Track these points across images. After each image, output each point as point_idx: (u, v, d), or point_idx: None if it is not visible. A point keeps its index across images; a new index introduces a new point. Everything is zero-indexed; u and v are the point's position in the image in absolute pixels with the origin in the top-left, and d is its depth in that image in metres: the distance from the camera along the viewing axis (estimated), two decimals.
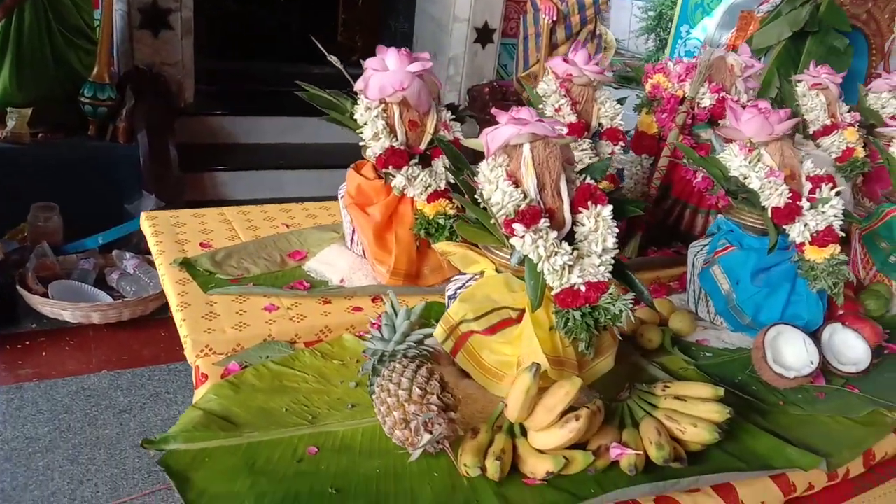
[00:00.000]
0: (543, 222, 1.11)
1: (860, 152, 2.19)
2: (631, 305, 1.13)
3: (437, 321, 1.37)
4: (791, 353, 1.42)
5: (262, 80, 5.49)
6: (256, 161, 4.63)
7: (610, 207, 1.17)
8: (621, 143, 1.77)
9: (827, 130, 2.21)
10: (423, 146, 1.52)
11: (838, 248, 1.46)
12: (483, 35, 5.44)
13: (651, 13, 11.60)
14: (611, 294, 1.13)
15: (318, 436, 1.11)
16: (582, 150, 1.69)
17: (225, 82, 5.34)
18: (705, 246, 1.61)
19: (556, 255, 1.11)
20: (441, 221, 1.46)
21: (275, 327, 1.37)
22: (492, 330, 1.16)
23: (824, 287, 1.46)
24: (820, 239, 1.44)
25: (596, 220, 1.16)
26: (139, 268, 3.22)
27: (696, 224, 1.95)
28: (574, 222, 1.19)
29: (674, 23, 5.53)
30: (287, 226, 1.80)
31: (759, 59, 3.87)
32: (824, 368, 1.45)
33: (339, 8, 6.67)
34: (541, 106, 1.74)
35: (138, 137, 3.78)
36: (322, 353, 1.32)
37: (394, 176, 1.46)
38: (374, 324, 1.26)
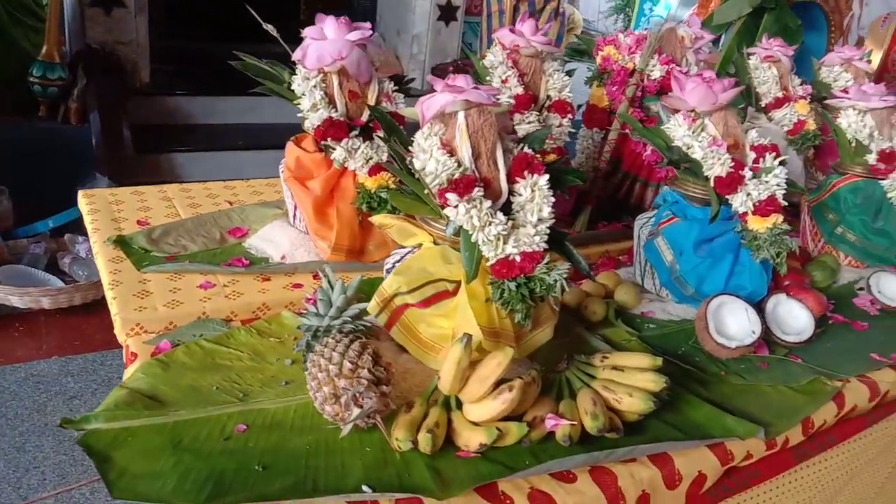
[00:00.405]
0: (477, 191, 1.09)
1: (811, 125, 2.20)
2: (566, 275, 1.11)
3: None
4: (734, 324, 1.42)
5: (222, 60, 5.36)
6: (215, 142, 4.53)
7: (546, 177, 1.15)
8: (570, 115, 1.75)
9: (778, 103, 2.22)
10: (364, 118, 1.48)
11: (781, 218, 1.46)
12: (446, 13, 5.38)
13: None
14: (546, 264, 1.11)
15: (248, 413, 1.08)
16: (529, 122, 1.67)
17: (183, 61, 5.21)
18: (651, 218, 1.60)
19: (490, 224, 1.09)
20: (383, 195, 1.43)
21: (209, 305, 1.33)
22: (427, 302, 1.14)
23: (767, 257, 1.46)
24: (762, 208, 1.44)
25: (532, 190, 1.14)
26: (92, 251, 3.14)
27: (646, 197, 1.94)
28: (511, 192, 1.16)
29: (636, 1, 5.53)
30: (230, 203, 1.76)
31: (721, 36, 3.89)
32: (768, 338, 1.46)
33: None
34: (488, 77, 1.71)
35: (91, 118, 3.68)
36: (258, 330, 1.29)
37: (334, 148, 1.43)
38: (309, 299, 1.23)
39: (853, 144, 1.83)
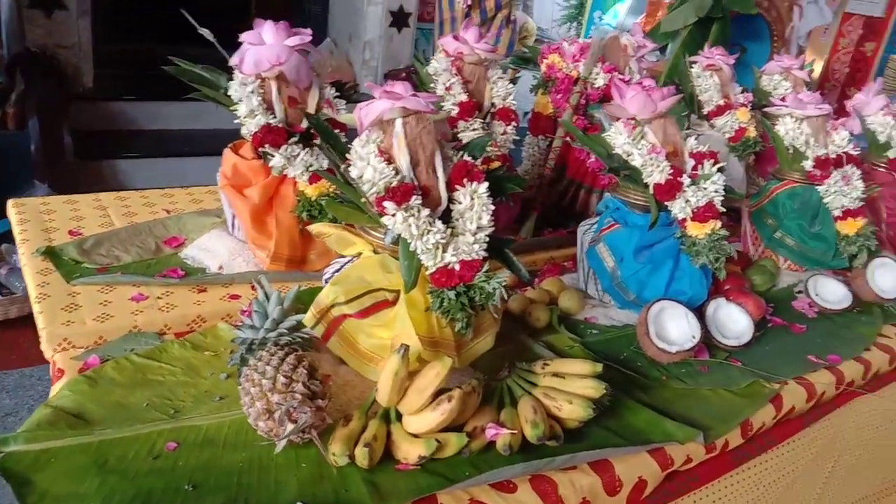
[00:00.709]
0: (415, 200, 1.07)
1: (752, 132, 2.25)
2: (505, 283, 1.10)
3: None
4: (674, 328, 1.43)
5: (167, 64, 5.23)
6: (160, 149, 4.44)
7: (486, 185, 1.15)
8: (514, 123, 1.75)
9: (720, 110, 2.26)
10: (304, 124, 1.46)
11: (719, 224, 1.48)
12: (398, 19, 5.37)
13: (573, 1, 11.75)
14: (486, 272, 1.10)
15: (180, 430, 1.05)
16: (473, 129, 1.66)
17: (128, 65, 5.09)
18: (593, 224, 1.61)
19: (428, 233, 1.07)
20: (325, 203, 1.41)
21: (141, 318, 1.29)
22: (365, 313, 1.12)
23: (706, 262, 1.48)
24: (701, 214, 1.46)
25: (472, 198, 1.14)
26: None
27: (590, 204, 1.96)
28: (451, 200, 1.15)
29: (587, 9, 5.60)
30: (168, 212, 1.71)
31: (668, 45, 3.96)
32: (708, 342, 1.48)
33: None
34: (432, 85, 1.70)
35: (30, 124, 3.56)
36: (193, 343, 1.25)
37: (272, 155, 1.40)
38: (245, 311, 1.20)
39: (791, 151, 1.88)
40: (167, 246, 1.52)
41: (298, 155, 1.41)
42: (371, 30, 5.30)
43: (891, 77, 7.16)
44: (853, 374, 1.53)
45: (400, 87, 1.15)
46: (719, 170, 1.52)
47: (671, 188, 1.44)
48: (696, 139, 1.58)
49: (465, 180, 1.14)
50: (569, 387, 1.16)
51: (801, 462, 1.54)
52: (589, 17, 5.61)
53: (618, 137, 1.50)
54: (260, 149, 1.39)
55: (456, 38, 1.71)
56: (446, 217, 1.15)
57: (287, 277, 1.44)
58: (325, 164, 1.43)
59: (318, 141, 1.45)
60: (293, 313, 1.18)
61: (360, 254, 1.20)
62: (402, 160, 1.11)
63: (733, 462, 1.33)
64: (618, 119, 1.55)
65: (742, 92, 2.36)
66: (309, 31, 1.47)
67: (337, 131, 1.42)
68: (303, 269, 1.48)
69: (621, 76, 1.93)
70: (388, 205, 1.06)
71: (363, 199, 1.09)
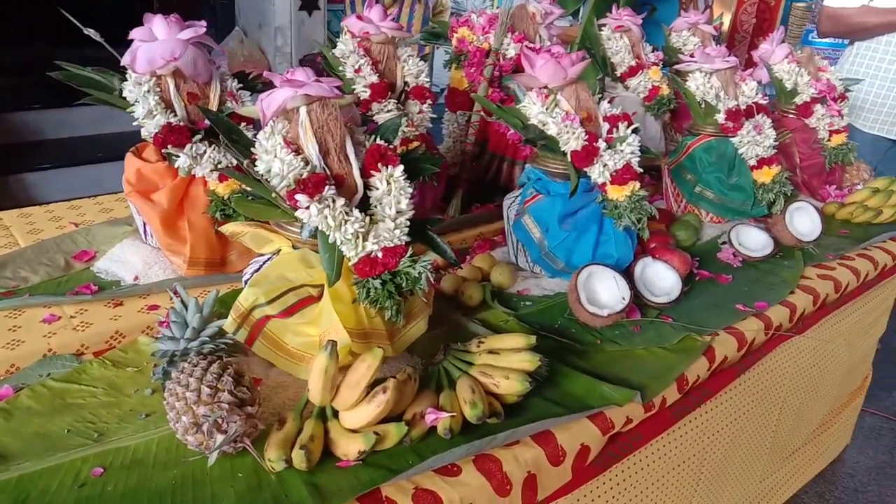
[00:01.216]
0: (329, 190, 1.04)
1: (665, 90, 2.29)
2: (430, 266, 1.08)
3: None
4: (604, 292, 1.45)
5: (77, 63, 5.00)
6: (70, 157, 4.22)
7: (401, 168, 1.12)
8: (429, 100, 1.72)
9: (633, 71, 2.28)
10: (207, 120, 1.39)
11: (638, 185, 1.49)
12: (308, 2, 5.24)
13: None
14: (410, 257, 1.08)
15: (106, 454, 0.99)
16: (388, 110, 1.63)
17: (26, 73, 4.80)
18: (517, 197, 1.61)
19: (346, 223, 1.04)
20: (234, 202, 1.35)
21: (56, 340, 1.22)
22: (289, 311, 1.08)
23: (629, 224, 1.49)
24: (619, 177, 1.47)
25: (388, 182, 1.11)
26: None
27: (514, 176, 1.95)
28: (367, 186, 1.12)
29: None
30: (76, 225, 1.62)
31: (580, 10, 3.99)
32: (639, 302, 1.50)
33: None
34: (340, 68, 1.65)
35: None
36: (113, 361, 1.19)
37: (176, 156, 1.33)
38: (163, 322, 1.15)
39: (703, 106, 1.91)
40: (77, 261, 1.44)
41: (205, 153, 1.35)
42: (280, 15, 5.15)
43: (794, 25, 7.43)
44: (780, 318, 1.57)
45: (301, 74, 1.11)
46: (634, 131, 1.53)
47: (588, 154, 1.45)
48: (609, 102, 1.59)
49: (379, 165, 1.11)
50: (504, 362, 1.15)
51: (743, 409, 1.59)
52: None
53: (532, 107, 1.49)
54: (163, 150, 1.33)
55: (360, 17, 1.66)
56: (364, 204, 1.12)
57: (208, 281, 1.39)
58: (233, 159, 1.37)
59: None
60: (214, 319, 1.13)
61: (278, 250, 1.16)
62: (311, 149, 1.07)
63: (673, 418, 1.36)
64: (530, 89, 1.55)
65: (653, 51, 2.39)
66: (203, 22, 1.40)
67: (244, 125, 1.38)
68: (224, 271, 1.43)
69: (531, 45, 1.93)
70: (301, 198, 1.02)
71: (274, 195, 1.05)
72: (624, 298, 1.42)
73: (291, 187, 1.03)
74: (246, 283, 1.17)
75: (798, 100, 2.22)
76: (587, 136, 1.45)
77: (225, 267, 1.43)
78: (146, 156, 1.40)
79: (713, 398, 1.46)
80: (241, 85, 1.45)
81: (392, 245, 1.07)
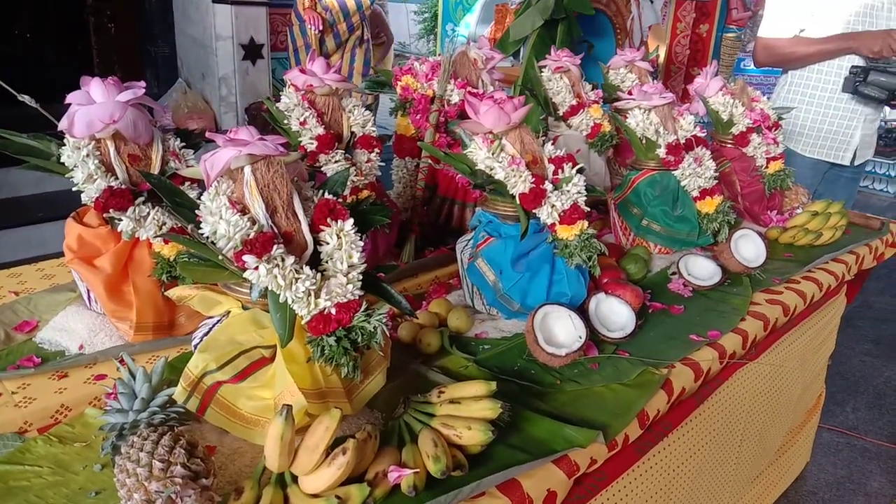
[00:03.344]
0: (277, 249, 1.02)
1: (607, 127, 2.34)
2: (385, 319, 1.07)
3: None
4: (561, 331, 1.45)
5: (12, 125, 4.87)
6: (12, 218, 4.10)
7: (351, 221, 1.11)
8: (377, 149, 1.72)
9: (574, 110, 2.34)
10: None
11: (586, 224, 1.52)
12: (251, 51, 5.25)
13: (426, 14, 11.94)
14: (365, 311, 1.07)
15: None
16: (336, 161, 1.62)
17: None
18: (469, 240, 1.61)
19: (297, 281, 1.03)
20: (179, 266, 1.32)
21: None
22: (241, 376, 1.06)
23: (581, 262, 1.51)
24: (568, 217, 1.49)
25: (339, 237, 1.10)
26: None
27: (465, 219, 1.96)
28: (317, 242, 1.11)
29: (439, 21, 5.69)
30: (16, 293, 1.56)
31: (520, 51, 4.08)
32: (595, 338, 1.50)
33: (90, 37, 6.12)
34: (286, 122, 1.64)
35: None
36: (59, 437, 1.13)
37: (119, 220, 1.30)
38: (110, 394, 1.10)
39: (644, 141, 1.96)
40: (18, 332, 1.38)
41: (148, 215, 1.32)
42: (224, 65, 5.14)
43: (726, 55, 7.75)
44: (733, 345, 1.60)
45: (245, 133, 1.10)
46: (578, 171, 1.56)
47: (536, 196, 1.46)
48: (553, 141, 1.61)
49: (328, 220, 1.10)
50: (466, 412, 1.14)
51: (705, 439, 1.61)
52: (442, 29, 5.70)
53: (478, 153, 1.51)
54: (105, 214, 1.29)
55: (303, 71, 1.67)
56: (315, 261, 1.10)
57: (157, 346, 1.35)
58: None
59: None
60: (164, 387, 1.09)
61: (228, 312, 1.13)
62: (258, 209, 1.06)
63: (637, 454, 1.36)
64: (476, 134, 1.56)
65: (593, 88, 2.45)
66: (142, 83, 1.38)
67: (188, 184, 1.36)
68: (172, 335, 1.38)
69: (474, 90, 1.96)
70: (249, 258, 1.00)
71: (221, 257, 1.03)
72: (581, 337, 1.42)
73: (238, 248, 1.01)
74: (195, 347, 1.14)
75: (735, 130, 2.30)
76: (534, 179, 1.47)
77: (173, 330, 1.39)
78: (87, 220, 1.36)
79: (674, 431, 1.47)
80: (183, 144, 1.43)
81: (345, 300, 1.06)
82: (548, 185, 1.48)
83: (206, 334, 1.13)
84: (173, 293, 1.14)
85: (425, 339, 1.44)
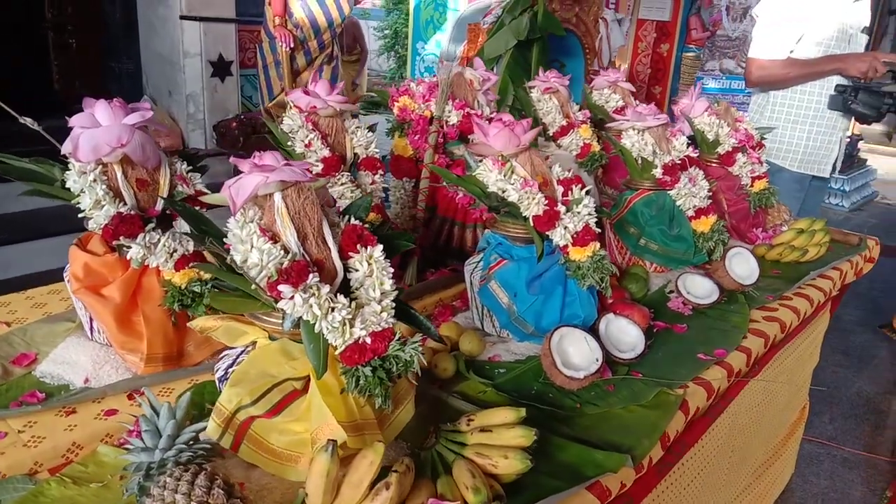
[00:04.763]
0: (313, 278, 0.99)
1: (596, 146, 2.36)
2: (420, 348, 1.05)
3: (212, 404, 1.20)
4: (576, 353, 1.45)
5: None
6: None
7: (381, 247, 1.09)
8: (380, 171, 1.70)
9: (564, 131, 2.35)
10: (158, 206, 1.32)
11: (598, 245, 1.52)
12: (220, 68, 5.17)
13: (387, 32, 11.94)
14: (398, 340, 1.04)
15: None
16: (342, 184, 1.60)
17: None
18: (479, 262, 1.60)
19: (333, 310, 1.00)
20: (197, 289, 1.28)
21: (4, 461, 1.09)
22: (275, 410, 1.02)
23: (593, 283, 1.51)
24: (580, 239, 1.49)
25: (369, 264, 1.07)
26: None
27: (465, 239, 1.95)
28: (346, 269, 1.08)
29: (409, 40, 5.70)
30: (7, 324, 1.48)
31: (493, 69, 4.11)
32: (608, 359, 1.50)
33: (50, 53, 5.95)
34: (289, 143, 1.61)
35: None
36: (73, 478, 1.07)
37: (129, 247, 1.25)
38: (132, 431, 1.05)
39: (640, 162, 1.98)
40: (16, 366, 1.31)
41: (159, 241, 1.27)
42: (192, 83, 5.06)
43: (686, 73, 7.94)
44: (738, 363, 1.62)
45: (270, 158, 1.07)
46: (587, 192, 1.57)
47: (550, 218, 1.46)
48: (558, 165, 1.62)
49: (358, 246, 1.08)
50: (499, 440, 1.12)
51: (713, 456, 1.62)
52: (412, 48, 5.71)
53: (489, 175, 1.50)
54: (114, 242, 1.24)
55: (306, 92, 1.64)
56: (344, 288, 1.08)
57: (167, 378, 1.30)
58: (191, 247, 1.30)
59: (179, 221, 1.32)
60: (188, 423, 1.05)
61: (253, 342, 1.10)
62: (289, 236, 1.03)
63: (658, 475, 1.36)
64: (482, 157, 1.56)
65: (580, 110, 2.47)
66: (147, 105, 1.34)
67: (197, 209, 1.32)
68: (182, 365, 1.33)
69: (472, 111, 1.96)
70: (285, 289, 0.97)
71: (253, 287, 1.00)
72: (598, 360, 1.42)
73: (274, 278, 0.98)
74: (220, 381, 1.09)
75: (720, 149, 2.35)
76: (547, 201, 1.47)
77: (183, 360, 1.34)
78: (91, 247, 1.31)
79: (690, 450, 1.47)
80: (190, 167, 1.39)
81: (380, 329, 1.03)
82: (560, 207, 1.48)
83: (230, 366, 1.09)
84: (197, 324, 1.09)
85: (441, 364, 1.41)
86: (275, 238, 1.03)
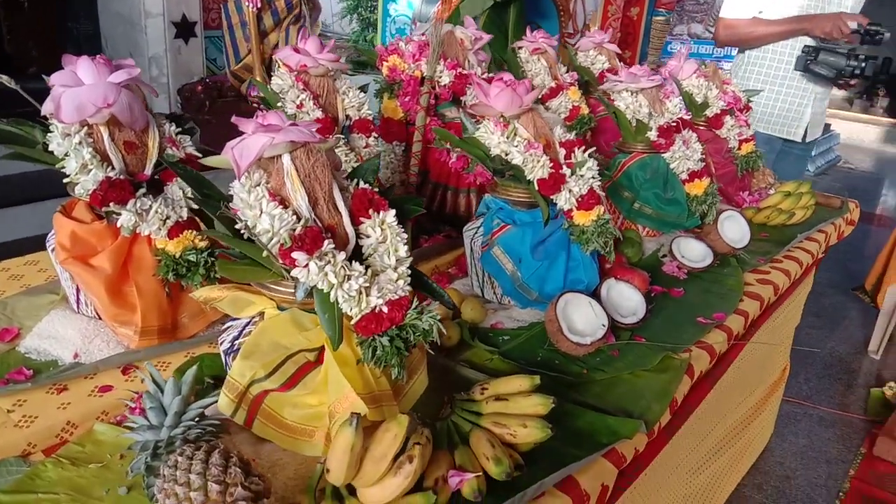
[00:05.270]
0: (328, 244, 0.94)
1: (585, 109, 2.32)
2: (438, 316, 1.01)
3: (213, 378, 1.15)
4: (581, 319, 1.42)
5: None
6: None
7: (393, 212, 1.04)
8: (374, 133, 1.64)
9: (553, 93, 2.30)
10: (148, 170, 1.24)
11: (602, 209, 1.49)
12: (183, 29, 4.97)
13: None
14: (416, 308, 1.00)
15: None
16: (337, 148, 1.53)
17: None
18: (479, 228, 1.56)
19: (349, 279, 0.95)
20: (192, 258, 1.21)
21: None
22: (290, 384, 0.97)
23: (597, 248, 1.48)
24: (585, 202, 1.46)
25: (382, 229, 1.02)
26: None
27: (458, 205, 1.91)
28: (357, 235, 1.03)
29: (379, 1, 5.54)
30: None
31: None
32: (611, 324, 1.48)
33: None
34: (279, 104, 1.54)
35: None
36: (70, 458, 1.02)
37: (118, 214, 1.18)
38: (133, 408, 1.00)
39: (634, 124, 1.95)
40: None
41: (151, 208, 1.20)
42: (154, 44, 4.85)
43: (655, 38, 7.92)
44: (737, 326, 1.62)
45: (275, 118, 1.01)
46: (590, 155, 1.53)
47: (555, 182, 1.42)
48: (560, 126, 1.57)
49: (370, 211, 1.03)
50: (516, 408, 1.09)
51: (710, 418, 1.62)
52: (383, 10, 5.55)
53: (492, 137, 1.45)
54: (104, 208, 1.17)
55: (296, 50, 1.56)
56: (356, 255, 1.02)
57: (162, 351, 1.24)
58: (185, 213, 1.23)
59: (170, 186, 1.25)
60: (193, 398, 1.00)
61: (261, 313, 1.04)
62: (301, 201, 0.97)
63: (665, 439, 1.36)
64: (482, 118, 1.51)
65: (567, 72, 2.42)
66: (131, 60, 1.26)
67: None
68: (177, 337, 1.27)
69: (464, 71, 1.89)
70: (299, 256, 0.92)
71: (265, 254, 0.94)
72: (604, 325, 1.40)
73: (287, 245, 0.92)
74: (227, 353, 1.04)
75: (708, 112, 2.33)
76: (552, 164, 1.43)
77: (177, 332, 1.28)
78: (77, 215, 1.23)
79: (694, 412, 1.47)
80: (179, 129, 1.31)
81: (396, 297, 0.99)
82: (565, 170, 1.44)
83: (237, 338, 1.04)
84: (200, 294, 1.03)
85: (446, 333, 1.38)
86: (284, 203, 0.97)
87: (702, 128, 2.36)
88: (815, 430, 2.86)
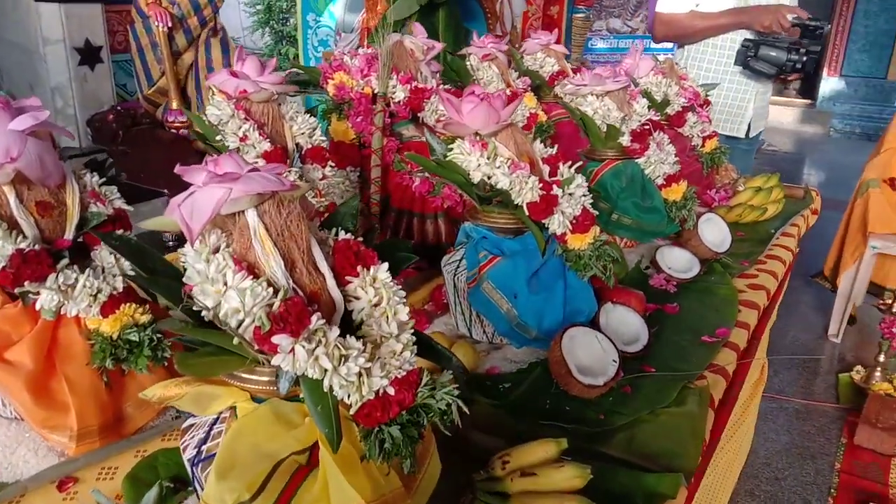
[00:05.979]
0: (316, 319, 0.75)
1: (542, 116, 2.19)
2: (455, 392, 0.83)
3: (173, 480, 0.94)
4: (587, 356, 1.27)
5: None
6: None
7: (385, 266, 0.85)
8: (330, 162, 1.45)
9: (508, 100, 2.15)
10: (69, 234, 1.01)
11: (598, 230, 1.34)
12: (88, 55, 4.59)
13: (259, 6, 11.31)
14: (427, 384, 0.82)
15: None
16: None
17: None
18: (459, 261, 1.38)
19: (345, 360, 0.76)
20: (133, 337, 0.99)
21: None
22: (284, 499, 0.77)
23: (598, 273, 1.33)
24: (580, 224, 1.31)
25: (374, 288, 0.83)
26: None
27: (426, 232, 1.73)
28: (345, 298, 0.84)
29: (298, 14, 5.30)
30: None
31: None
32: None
33: None
34: (219, 138, 1.33)
35: None
36: None
37: (36, 294, 0.95)
38: None
39: (604, 129, 1.81)
40: None
41: (77, 282, 0.97)
42: (56, 73, 4.46)
43: (577, 35, 7.95)
44: (741, 340, 1.51)
45: (230, 163, 0.80)
46: (576, 171, 1.38)
47: (548, 204, 1.26)
48: (539, 141, 1.42)
49: (357, 268, 0.84)
50: (548, 484, 0.93)
51: (727, 445, 1.50)
52: (302, 21, 5.31)
53: (470, 160, 1.28)
54: (17, 288, 0.93)
55: (233, 73, 1.35)
56: (345, 323, 0.83)
57: (107, 454, 1.00)
58: (119, 284, 1.01)
59: (99, 251, 1.02)
60: None
61: (232, 407, 0.84)
62: (275, 267, 0.77)
63: (697, 483, 1.21)
64: (452, 140, 1.34)
65: (519, 77, 2.28)
66: (36, 100, 1.03)
67: (121, 231, 1.03)
68: (123, 434, 1.04)
69: (419, 84, 1.72)
70: (282, 340, 0.72)
71: (235, 341, 0.74)
72: (615, 361, 1.25)
73: (266, 327, 0.72)
74: (193, 464, 0.83)
75: (669, 110, 2.22)
76: (542, 185, 1.27)
77: (123, 426, 1.05)
78: None
79: (718, 446, 1.34)
80: (102, 179, 1.09)
81: (403, 373, 0.80)
82: (556, 190, 1.29)
83: (203, 441, 0.83)
84: (151, 394, 0.82)
85: (467, 410, 1.19)
86: (253, 270, 0.77)
87: (664, 126, 2.26)
88: (794, 425, 2.82)
